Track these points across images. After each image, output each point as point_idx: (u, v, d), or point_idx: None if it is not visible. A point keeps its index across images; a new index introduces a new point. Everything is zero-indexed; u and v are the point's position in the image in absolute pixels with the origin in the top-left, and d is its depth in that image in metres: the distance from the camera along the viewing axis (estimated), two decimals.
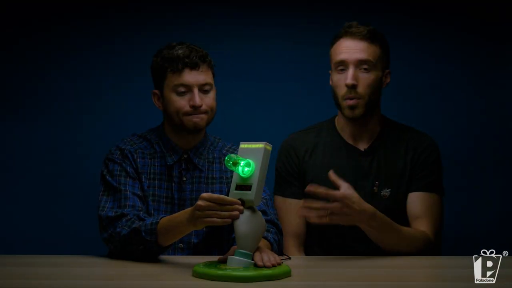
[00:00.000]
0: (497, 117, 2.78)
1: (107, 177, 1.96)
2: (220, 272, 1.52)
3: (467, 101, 2.79)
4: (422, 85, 2.81)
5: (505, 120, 2.78)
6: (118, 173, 1.96)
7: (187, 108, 1.95)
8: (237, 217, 1.58)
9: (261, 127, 2.72)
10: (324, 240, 2.10)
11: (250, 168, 1.59)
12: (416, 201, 2.05)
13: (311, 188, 1.81)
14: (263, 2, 2.83)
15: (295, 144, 2.17)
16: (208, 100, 1.97)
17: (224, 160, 2.01)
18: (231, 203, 1.59)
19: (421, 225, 2.02)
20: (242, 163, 1.59)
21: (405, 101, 2.79)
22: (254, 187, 1.58)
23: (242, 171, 1.60)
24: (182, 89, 1.95)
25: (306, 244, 2.15)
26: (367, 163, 2.09)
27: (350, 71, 2.03)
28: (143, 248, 1.77)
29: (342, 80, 2.04)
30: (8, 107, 2.76)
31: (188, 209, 1.70)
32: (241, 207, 1.59)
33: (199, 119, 1.96)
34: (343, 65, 2.05)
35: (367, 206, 1.85)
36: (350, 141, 2.13)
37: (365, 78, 2.04)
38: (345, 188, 1.81)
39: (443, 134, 2.76)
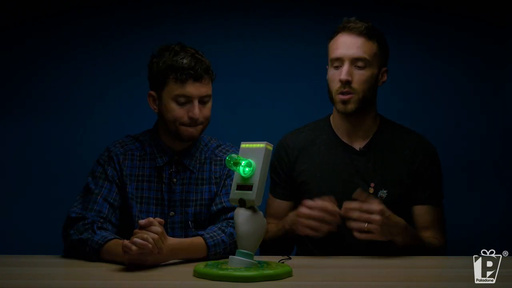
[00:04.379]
0: (498, 118, 2.79)
1: (89, 177, 1.99)
2: (221, 272, 1.52)
3: (467, 101, 2.80)
4: (422, 85, 2.81)
5: (505, 120, 2.78)
6: (98, 175, 1.98)
7: (185, 118, 1.94)
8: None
9: (261, 127, 2.72)
10: (322, 239, 2.10)
11: (251, 168, 1.59)
12: (424, 214, 2.06)
13: (346, 205, 1.81)
14: (263, 1, 2.83)
15: (287, 145, 2.17)
16: (205, 111, 1.96)
17: (214, 160, 2.04)
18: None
19: (431, 236, 2.04)
20: (243, 163, 1.59)
21: (406, 101, 2.79)
22: (255, 187, 1.58)
23: (243, 171, 1.60)
24: (182, 100, 1.93)
25: (301, 243, 2.15)
26: (362, 163, 2.08)
27: (345, 67, 2.02)
28: (86, 258, 1.79)
29: (336, 75, 2.04)
30: (8, 107, 2.76)
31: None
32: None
33: (195, 130, 1.96)
34: (338, 61, 2.04)
35: (399, 219, 1.88)
36: (345, 140, 2.13)
37: (360, 75, 2.03)
38: (377, 203, 1.83)
39: (444, 134, 2.77)
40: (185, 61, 1.91)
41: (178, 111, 1.94)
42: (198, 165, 2.04)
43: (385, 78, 2.12)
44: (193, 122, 1.94)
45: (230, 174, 2.01)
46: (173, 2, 2.80)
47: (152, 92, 2.01)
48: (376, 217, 1.81)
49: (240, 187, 1.61)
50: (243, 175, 1.60)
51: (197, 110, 1.93)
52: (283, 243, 2.06)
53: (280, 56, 2.80)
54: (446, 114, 2.79)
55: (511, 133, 2.77)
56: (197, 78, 1.92)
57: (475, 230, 2.70)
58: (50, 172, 2.74)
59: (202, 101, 1.95)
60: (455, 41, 2.79)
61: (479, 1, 2.76)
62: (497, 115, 2.78)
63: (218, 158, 2.05)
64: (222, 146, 2.10)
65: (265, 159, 1.60)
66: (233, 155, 1.60)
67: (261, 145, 1.61)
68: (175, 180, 2.01)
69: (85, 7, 2.78)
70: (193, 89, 1.92)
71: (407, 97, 2.79)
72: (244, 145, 1.64)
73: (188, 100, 1.93)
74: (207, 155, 2.06)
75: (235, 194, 1.61)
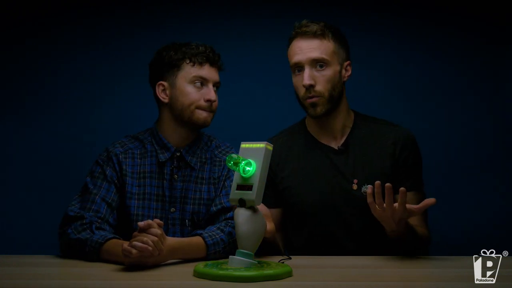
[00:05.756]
0: (498, 118, 2.78)
1: (87, 177, 2.00)
2: (221, 272, 1.52)
3: (467, 101, 2.79)
4: (422, 85, 2.81)
5: (506, 120, 2.78)
6: (97, 175, 1.99)
7: (201, 101, 2.00)
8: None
9: (261, 127, 2.71)
10: (313, 240, 2.10)
11: (251, 168, 1.59)
12: (408, 202, 2.02)
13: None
14: (263, 1, 2.83)
15: None
16: (217, 99, 2.03)
17: (214, 160, 2.04)
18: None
19: (419, 225, 2.02)
20: (243, 163, 1.59)
21: (406, 101, 2.79)
22: (255, 187, 1.58)
23: (243, 171, 1.60)
24: (199, 82, 1.99)
25: (292, 246, 2.14)
26: (342, 161, 2.09)
27: (306, 72, 2.05)
28: (85, 258, 1.79)
29: (300, 82, 2.06)
30: (8, 107, 2.76)
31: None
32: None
33: (209, 116, 2.02)
34: (299, 66, 2.07)
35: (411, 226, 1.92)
36: (322, 140, 2.14)
37: (322, 76, 2.05)
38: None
39: (444, 134, 2.77)
40: (201, 48, 2.01)
41: (195, 94, 2.00)
42: (199, 164, 2.05)
43: (350, 72, 2.13)
44: (209, 105, 2.00)
45: (229, 175, 2.02)
46: (173, 2, 2.80)
47: (163, 82, 2.02)
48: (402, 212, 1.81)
49: (240, 187, 1.61)
50: (243, 175, 1.60)
51: (213, 93, 2.01)
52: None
53: (280, 56, 2.78)
54: (446, 114, 2.79)
55: (511, 132, 2.77)
56: (213, 63, 2.02)
57: (475, 230, 2.70)
58: (50, 172, 2.74)
59: (215, 87, 2.04)
60: (455, 41, 2.79)
61: (479, 1, 2.76)
62: (497, 115, 2.78)
63: (217, 159, 2.06)
64: (222, 147, 2.10)
65: (265, 159, 1.60)
66: (233, 155, 1.60)
67: (261, 145, 1.61)
68: (176, 176, 2.02)
69: (85, 7, 2.78)
70: (210, 72, 2.02)
71: (407, 97, 2.79)
72: (244, 145, 1.64)
73: (204, 83, 2.00)
74: (207, 155, 2.07)
75: (235, 194, 1.61)
